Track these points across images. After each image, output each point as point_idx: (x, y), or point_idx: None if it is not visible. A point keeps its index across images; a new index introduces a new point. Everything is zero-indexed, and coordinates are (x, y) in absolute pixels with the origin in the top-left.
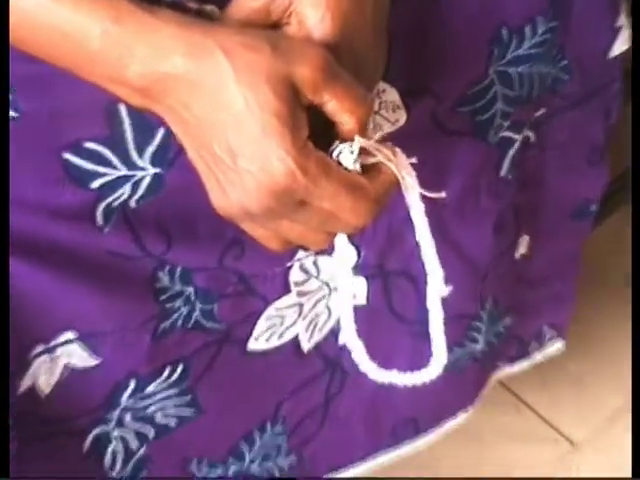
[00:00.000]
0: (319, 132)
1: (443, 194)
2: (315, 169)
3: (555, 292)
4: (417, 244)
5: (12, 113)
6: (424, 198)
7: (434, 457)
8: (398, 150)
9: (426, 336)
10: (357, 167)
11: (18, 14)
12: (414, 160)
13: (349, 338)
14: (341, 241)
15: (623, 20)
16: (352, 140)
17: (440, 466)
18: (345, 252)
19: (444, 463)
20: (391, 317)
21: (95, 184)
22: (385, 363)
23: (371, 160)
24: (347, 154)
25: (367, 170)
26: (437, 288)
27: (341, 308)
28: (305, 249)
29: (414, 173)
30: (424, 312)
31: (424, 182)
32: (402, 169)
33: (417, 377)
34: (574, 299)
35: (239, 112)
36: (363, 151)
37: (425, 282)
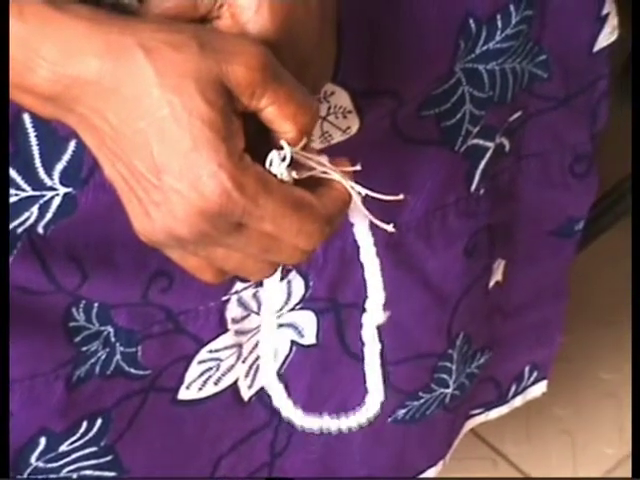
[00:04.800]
0: (256, 142)
1: (400, 197)
2: (254, 186)
3: (536, 325)
4: (361, 265)
5: None
6: (381, 214)
7: None
8: (345, 160)
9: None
10: (290, 179)
11: None
12: (358, 167)
13: (268, 381)
14: (270, 279)
15: (609, 7)
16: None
17: None
18: (269, 291)
19: None
20: (345, 356)
21: None
22: (340, 407)
23: (309, 173)
24: (277, 163)
25: (316, 185)
26: (375, 314)
27: (261, 346)
28: (244, 280)
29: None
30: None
31: (381, 201)
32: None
33: (351, 421)
34: (560, 332)
35: (164, 121)
36: (300, 164)
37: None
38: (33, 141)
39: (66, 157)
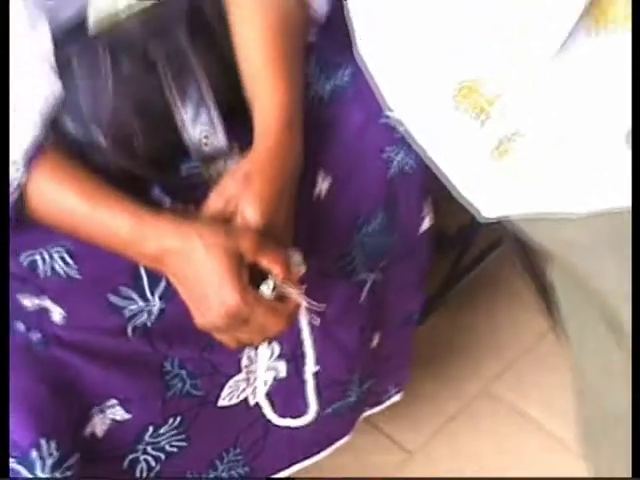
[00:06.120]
0: (254, 276)
1: (323, 306)
2: (252, 301)
3: (395, 366)
4: (301, 341)
5: (77, 275)
6: (314, 315)
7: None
8: (301, 287)
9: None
10: (272, 296)
11: (64, 214)
12: (302, 289)
13: (260, 399)
14: (262, 345)
15: (427, 209)
16: (279, 279)
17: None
18: (262, 351)
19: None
20: (301, 384)
21: (126, 313)
22: (293, 412)
23: (281, 291)
24: (265, 289)
25: (283, 298)
26: (310, 366)
27: (257, 382)
28: (250, 345)
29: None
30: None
31: (315, 305)
32: (302, 299)
33: (300, 421)
34: (409, 370)
35: (208, 271)
36: (277, 288)
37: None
38: (144, 279)
39: (162, 286)
